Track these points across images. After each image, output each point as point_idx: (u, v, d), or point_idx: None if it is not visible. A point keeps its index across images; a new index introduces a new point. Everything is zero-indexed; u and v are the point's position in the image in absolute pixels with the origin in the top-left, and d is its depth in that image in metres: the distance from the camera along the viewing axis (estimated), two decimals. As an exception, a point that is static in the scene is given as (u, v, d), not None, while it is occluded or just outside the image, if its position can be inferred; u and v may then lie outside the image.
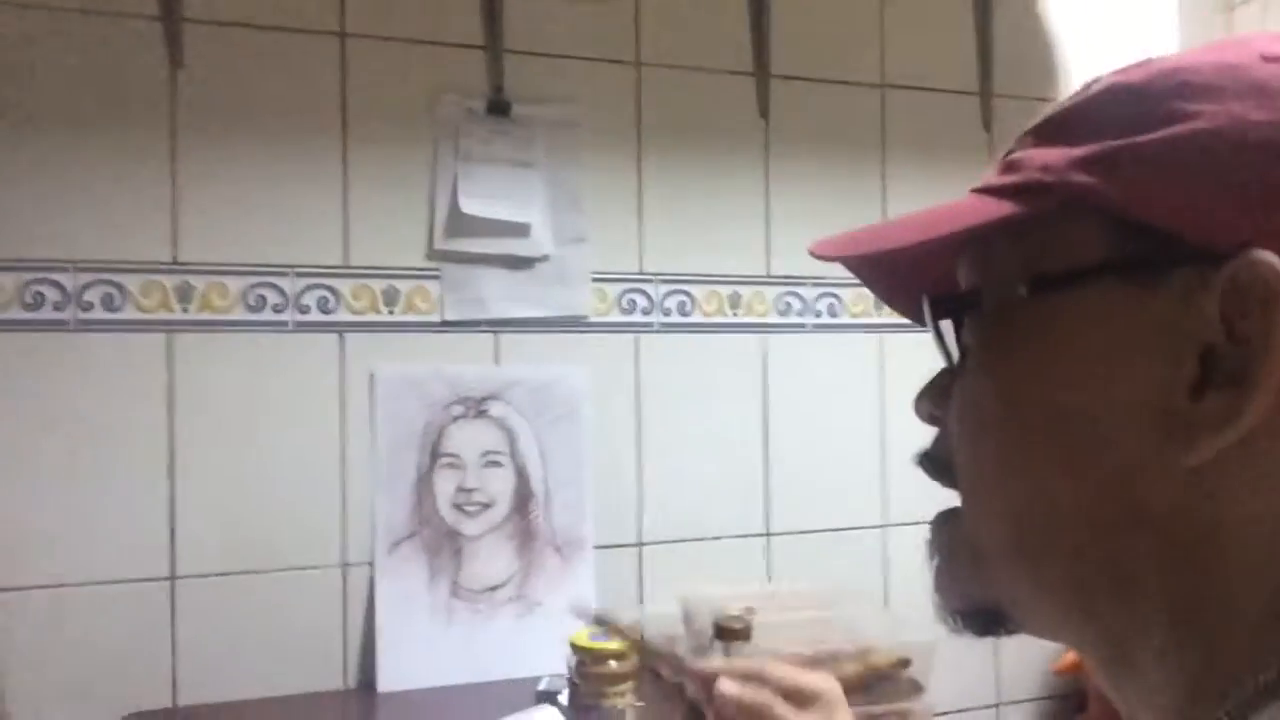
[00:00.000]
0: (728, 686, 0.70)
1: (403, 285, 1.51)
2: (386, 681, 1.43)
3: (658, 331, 1.64)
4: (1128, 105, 0.40)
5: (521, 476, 1.54)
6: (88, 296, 1.37)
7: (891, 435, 1.75)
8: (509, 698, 1.25)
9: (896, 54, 1.78)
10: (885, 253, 0.46)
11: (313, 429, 1.46)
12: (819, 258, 0.47)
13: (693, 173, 1.66)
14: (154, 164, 1.40)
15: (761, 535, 1.69)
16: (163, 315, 1.41)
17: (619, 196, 1.63)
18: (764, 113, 1.71)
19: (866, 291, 1.88)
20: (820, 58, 1.74)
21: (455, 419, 1.52)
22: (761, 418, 1.70)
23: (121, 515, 1.38)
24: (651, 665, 0.81)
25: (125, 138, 1.39)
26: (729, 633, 1.22)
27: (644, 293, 1.63)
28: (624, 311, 1.62)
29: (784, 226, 1.71)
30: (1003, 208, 0.42)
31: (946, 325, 0.46)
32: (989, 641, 1.98)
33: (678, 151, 1.66)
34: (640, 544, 1.62)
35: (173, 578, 1.40)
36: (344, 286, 1.48)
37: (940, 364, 0.48)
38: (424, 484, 1.49)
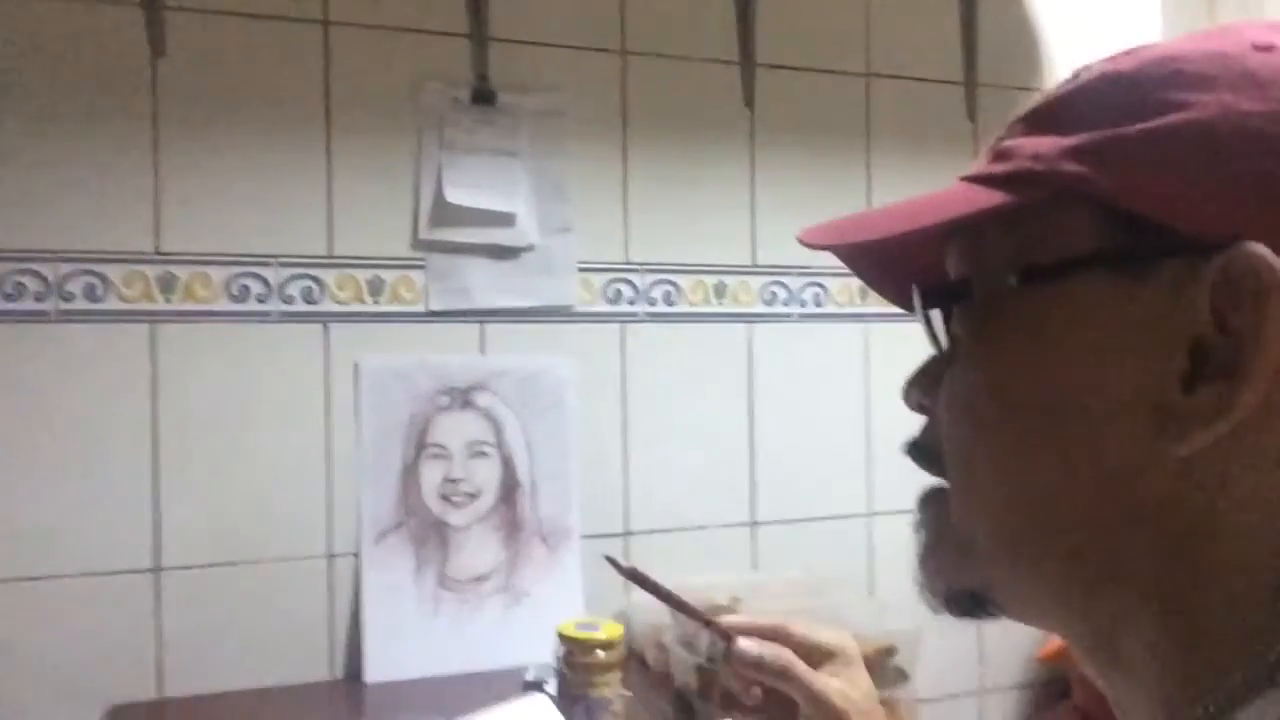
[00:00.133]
0: (747, 644, 0.70)
1: (388, 275, 1.50)
2: (373, 672, 1.43)
3: (643, 321, 1.64)
4: (1119, 94, 0.40)
5: (508, 467, 1.54)
6: (69, 287, 1.36)
7: (877, 425, 1.76)
8: (496, 688, 1.25)
9: (882, 43, 1.78)
10: (873, 242, 0.45)
11: (298, 420, 1.46)
12: (807, 246, 0.47)
13: (678, 162, 1.66)
14: (136, 153, 1.39)
15: (747, 524, 1.70)
16: (145, 306, 1.40)
17: (604, 186, 1.62)
18: (749, 102, 1.71)
19: (852, 281, 1.88)
20: (806, 47, 1.74)
21: (441, 409, 1.51)
22: (747, 407, 1.70)
23: (105, 507, 1.37)
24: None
25: (107, 127, 1.38)
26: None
27: (630, 282, 1.63)
28: (610, 301, 1.62)
29: (769, 216, 1.72)
30: (992, 197, 0.41)
31: (936, 314, 0.46)
32: (972, 629, 2.00)
33: (663, 141, 1.65)
34: (627, 534, 1.62)
35: (157, 569, 1.39)
36: (328, 276, 1.48)
37: (929, 352, 0.48)
38: (410, 474, 1.49)
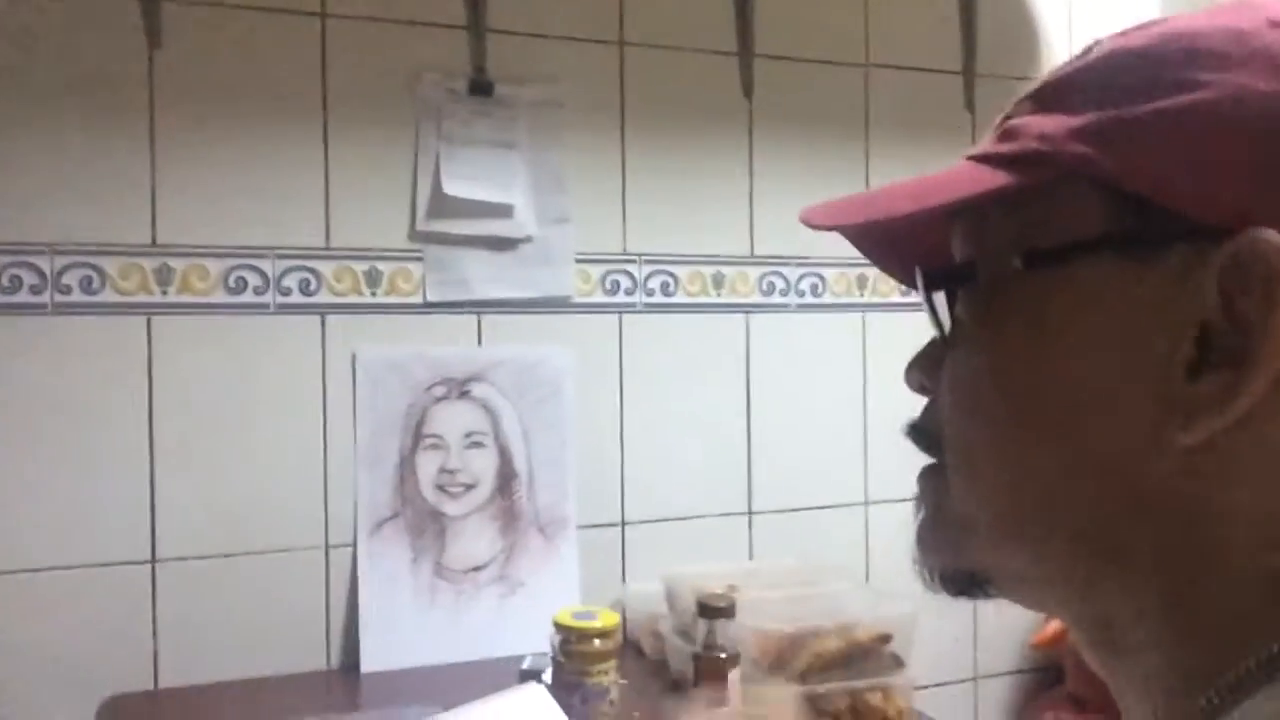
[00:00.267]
0: None
1: (385, 267, 1.51)
2: (370, 662, 1.43)
3: (641, 312, 1.64)
4: (1129, 72, 0.38)
5: (504, 457, 1.54)
6: (66, 279, 1.36)
7: (873, 414, 1.76)
8: (493, 677, 1.26)
9: (880, 33, 1.78)
10: (875, 223, 0.44)
11: (295, 411, 1.46)
12: (811, 226, 0.45)
13: (676, 153, 1.66)
14: (133, 146, 1.39)
15: (744, 514, 1.70)
16: (142, 298, 1.40)
17: (602, 177, 1.62)
18: (748, 92, 1.70)
19: (850, 271, 1.89)
20: (804, 37, 1.73)
21: (438, 400, 1.52)
22: (744, 397, 1.70)
23: (102, 498, 1.37)
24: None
25: (103, 119, 1.38)
26: (712, 610, 1.23)
27: (627, 273, 1.63)
28: (607, 292, 1.62)
29: (767, 206, 1.72)
30: (997, 178, 0.40)
31: (941, 296, 0.45)
32: (967, 615, 2.00)
33: (661, 132, 1.65)
34: (623, 523, 1.62)
35: (154, 560, 1.39)
36: (325, 268, 1.48)
37: (929, 338, 0.47)
38: (407, 465, 1.50)
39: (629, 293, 1.63)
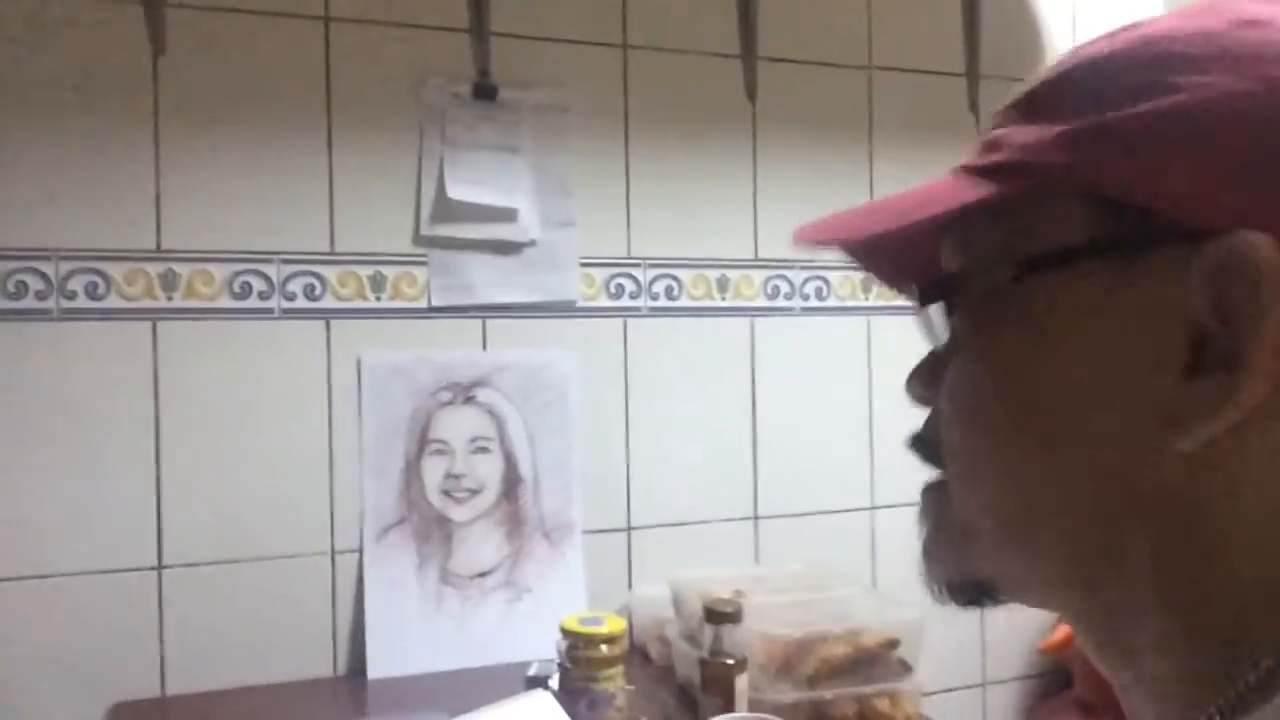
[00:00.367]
0: None
1: (389, 271, 1.50)
2: (376, 668, 1.43)
3: (646, 316, 1.64)
4: (1105, 79, 0.39)
5: (510, 462, 1.54)
6: (71, 285, 1.36)
7: (879, 418, 1.76)
8: (499, 683, 1.26)
9: (883, 36, 1.78)
10: (862, 240, 0.45)
11: (300, 417, 1.46)
12: (803, 245, 0.46)
13: (680, 156, 1.66)
14: (137, 151, 1.39)
15: (750, 519, 1.70)
16: (147, 303, 1.40)
17: (606, 181, 1.62)
18: (751, 95, 1.70)
19: (854, 275, 1.88)
20: (807, 40, 1.73)
21: (443, 405, 1.51)
22: (749, 401, 1.70)
23: (108, 505, 1.37)
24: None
25: (108, 125, 1.38)
26: (719, 615, 1.23)
27: (632, 277, 1.63)
28: (612, 296, 1.62)
29: (772, 209, 1.71)
30: (980, 190, 0.40)
31: (936, 308, 0.45)
32: (975, 621, 1.99)
33: (665, 135, 1.65)
34: (629, 528, 1.62)
35: (160, 567, 1.39)
36: (330, 273, 1.48)
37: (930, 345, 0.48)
38: (412, 470, 1.49)
39: (634, 297, 1.63)
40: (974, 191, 0.41)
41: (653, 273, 1.64)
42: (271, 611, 1.43)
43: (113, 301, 1.38)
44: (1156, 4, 1.95)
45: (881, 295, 1.77)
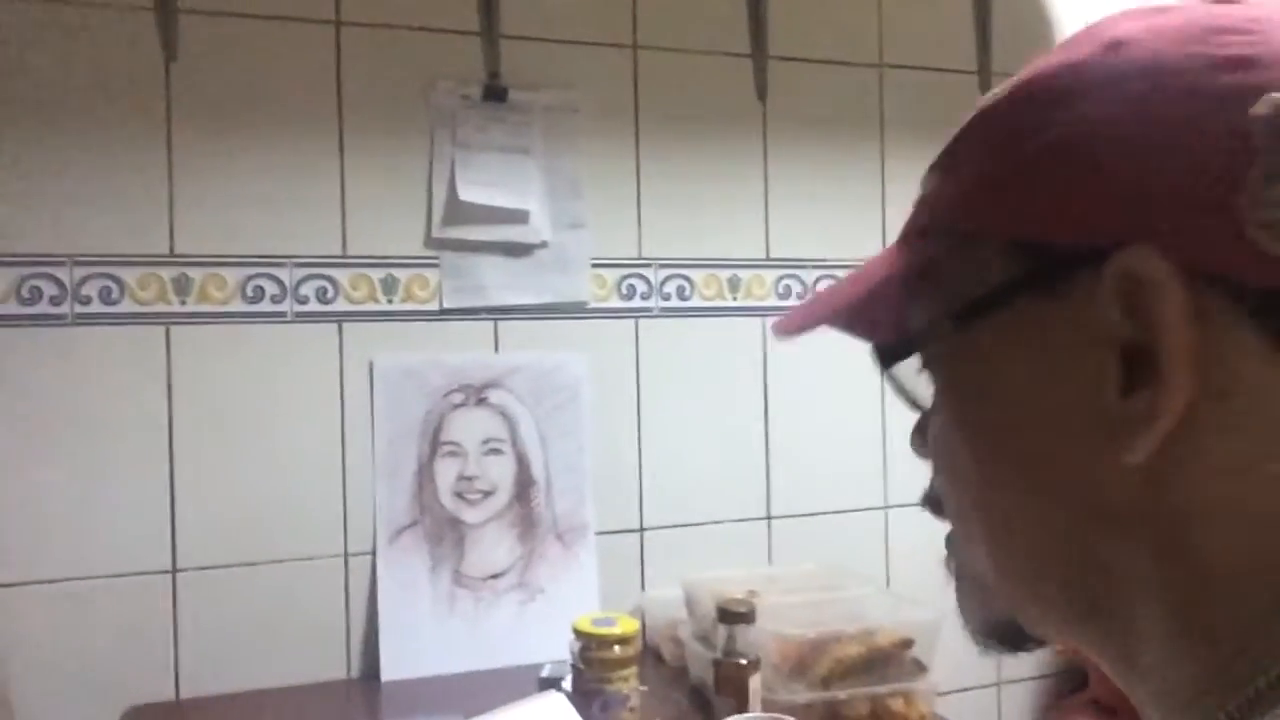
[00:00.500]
0: None
1: (401, 274, 1.51)
2: (390, 670, 1.43)
3: (657, 316, 1.64)
4: (995, 127, 0.42)
5: (522, 464, 1.54)
6: (85, 290, 1.37)
7: (892, 418, 1.75)
8: (512, 685, 1.26)
9: (894, 34, 1.77)
10: (823, 322, 0.48)
11: (312, 419, 1.46)
12: (783, 335, 0.49)
13: (691, 156, 1.66)
14: (150, 156, 1.40)
15: (763, 518, 1.69)
16: (160, 308, 1.40)
17: (617, 181, 1.62)
18: (762, 95, 1.70)
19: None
20: (818, 38, 1.73)
21: (455, 407, 1.52)
22: (762, 401, 1.70)
23: (122, 509, 1.38)
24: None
25: (120, 130, 1.38)
26: (732, 616, 1.22)
27: (643, 278, 1.63)
28: (623, 297, 1.62)
29: (783, 209, 1.71)
30: (905, 257, 0.44)
31: (907, 367, 0.47)
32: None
33: (676, 135, 1.65)
34: (642, 529, 1.62)
35: (174, 570, 1.40)
36: (342, 276, 1.48)
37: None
38: (425, 473, 1.50)
39: (645, 297, 1.63)
40: (900, 261, 0.44)
41: (664, 273, 1.64)
42: (285, 614, 1.44)
43: (126, 306, 1.39)
44: (1169, -1, 1.94)
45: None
